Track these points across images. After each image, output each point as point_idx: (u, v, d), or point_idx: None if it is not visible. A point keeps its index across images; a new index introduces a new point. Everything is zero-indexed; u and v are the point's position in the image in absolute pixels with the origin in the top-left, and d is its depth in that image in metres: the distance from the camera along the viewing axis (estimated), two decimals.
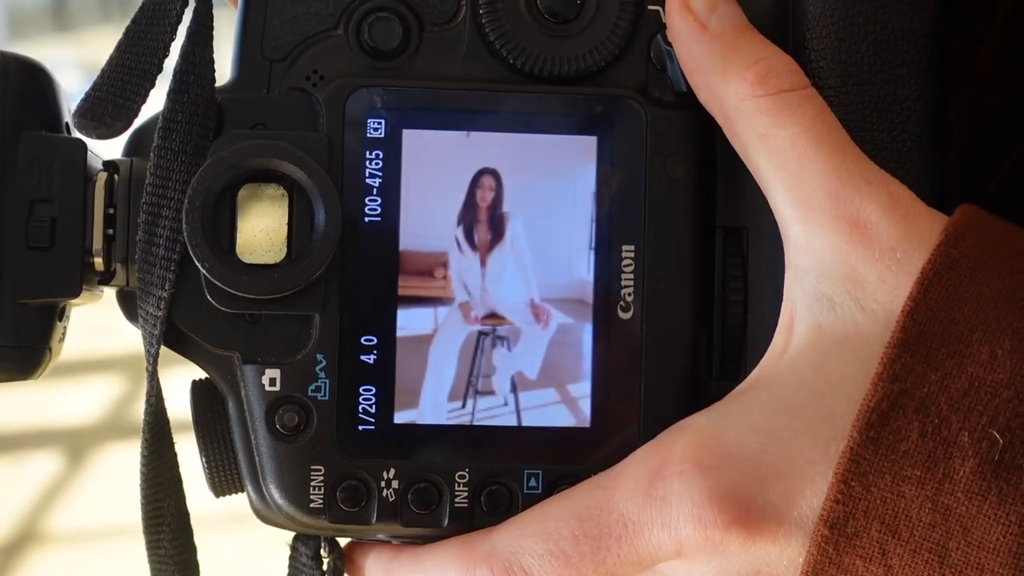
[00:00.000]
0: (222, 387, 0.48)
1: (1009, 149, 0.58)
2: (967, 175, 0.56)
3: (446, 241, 0.48)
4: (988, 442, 0.42)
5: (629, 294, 0.49)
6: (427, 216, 0.48)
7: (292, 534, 0.50)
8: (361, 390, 0.48)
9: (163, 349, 0.48)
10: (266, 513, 0.48)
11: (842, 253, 0.45)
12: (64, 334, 0.50)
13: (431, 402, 0.48)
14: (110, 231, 0.48)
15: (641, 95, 0.49)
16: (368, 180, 0.48)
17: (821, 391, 0.44)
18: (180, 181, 0.47)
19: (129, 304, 0.49)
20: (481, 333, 0.48)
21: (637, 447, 0.46)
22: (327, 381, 0.47)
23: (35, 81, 0.49)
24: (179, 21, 0.48)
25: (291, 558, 0.50)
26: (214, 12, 0.48)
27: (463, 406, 0.48)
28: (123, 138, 0.49)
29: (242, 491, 0.49)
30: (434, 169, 0.48)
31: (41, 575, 2.27)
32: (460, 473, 0.48)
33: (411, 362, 0.48)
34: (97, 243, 0.48)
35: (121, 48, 0.48)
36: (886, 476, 0.43)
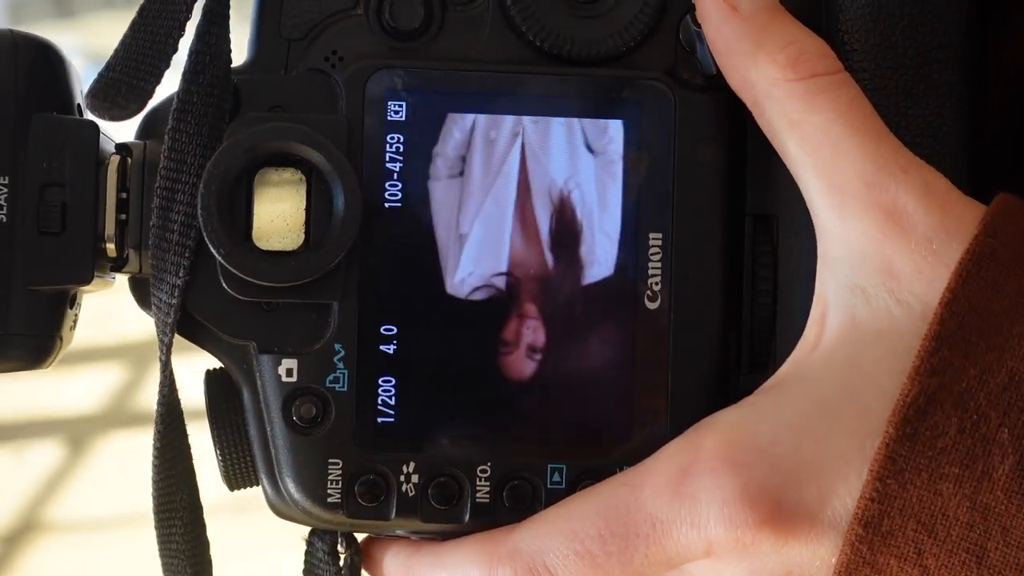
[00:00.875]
0: (237, 377, 0.47)
1: None
2: (999, 163, 0.55)
3: (467, 228, 0.47)
4: None
5: (656, 283, 0.47)
6: (450, 202, 0.47)
7: (308, 529, 0.49)
8: (380, 381, 0.46)
9: (176, 338, 0.46)
10: (282, 507, 0.47)
11: (877, 243, 0.43)
12: (75, 322, 0.49)
13: None
14: (123, 216, 0.47)
15: (669, 78, 0.48)
16: (388, 164, 0.47)
17: (856, 386, 0.43)
18: (195, 165, 0.46)
19: (142, 291, 0.48)
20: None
21: (664, 441, 0.45)
22: (345, 372, 0.46)
23: (46, 61, 0.47)
24: (195, 0, 0.47)
25: (307, 553, 0.49)
26: None
27: None
28: (136, 121, 0.48)
29: (257, 484, 0.48)
30: (456, 153, 0.47)
31: (43, 564, 2.26)
32: (482, 467, 0.46)
33: None
34: (109, 228, 0.47)
35: (135, 27, 0.46)
36: (923, 474, 0.41)
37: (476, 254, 0.47)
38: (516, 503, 0.46)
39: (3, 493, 2.33)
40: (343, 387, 0.46)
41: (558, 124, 0.47)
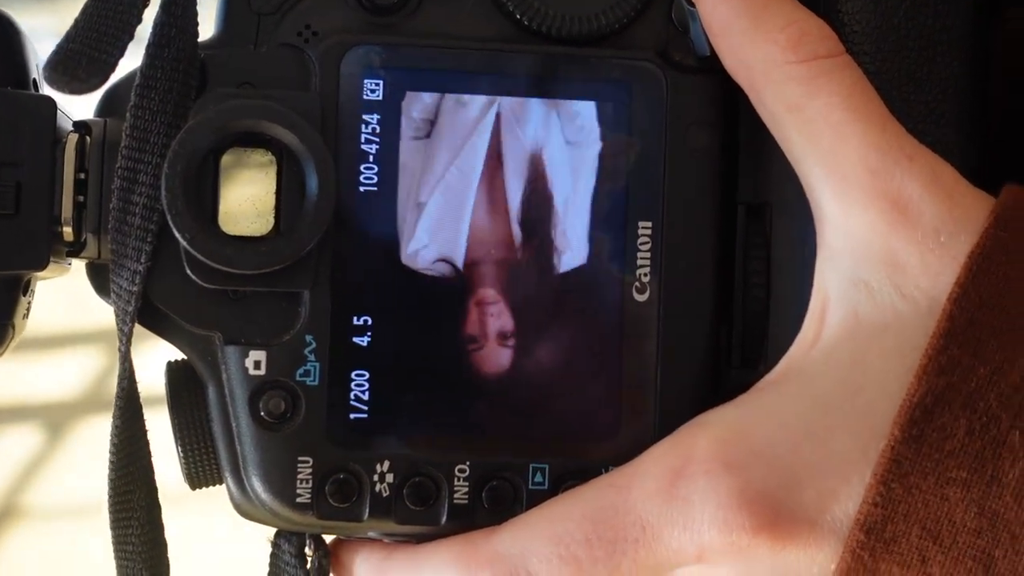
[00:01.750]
0: (201, 370, 0.44)
1: None
2: (1002, 151, 0.53)
3: (427, 197, 0.44)
4: None
5: (645, 274, 0.45)
6: (428, 185, 0.44)
7: (273, 530, 0.46)
8: (353, 375, 0.44)
9: (137, 327, 0.44)
10: (247, 508, 0.44)
11: (881, 234, 0.41)
12: (28, 310, 0.46)
13: None
14: (80, 198, 0.44)
15: (661, 59, 0.45)
16: (364, 146, 0.44)
17: (859, 385, 0.41)
18: (159, 144, 0.43)
19: (100, 278, 0.45)
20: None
21: (651, 439, 0.43)
22: (317, 365, 0.44)
23: (0, 33, 0.45)
24: None
25: (272, 556, 0.46)
26: None
27: None
28: (95, 97, 0.45)
29: (220, 483, 0.45)
30: (435, 135, 0.44)
31: (20, 550, 2.24)
32: (460, 467, 0.44)
33: None
34: (67, 211, 0.44)
35: None
36: (929, 477, 0.39)
37: (433, 225, 0.44)
38: (496, 504, 0.44)
39: None
40: (314, 381, 0.44)
41: (543, 106, 0.45)
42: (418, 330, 0.44)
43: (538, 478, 0.44)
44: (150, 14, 0.44)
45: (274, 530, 0.46)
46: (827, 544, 0.40)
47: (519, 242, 0.45)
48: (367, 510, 0.44)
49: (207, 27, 0.45)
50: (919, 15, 0.45)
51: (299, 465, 0.43)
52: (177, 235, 0.42)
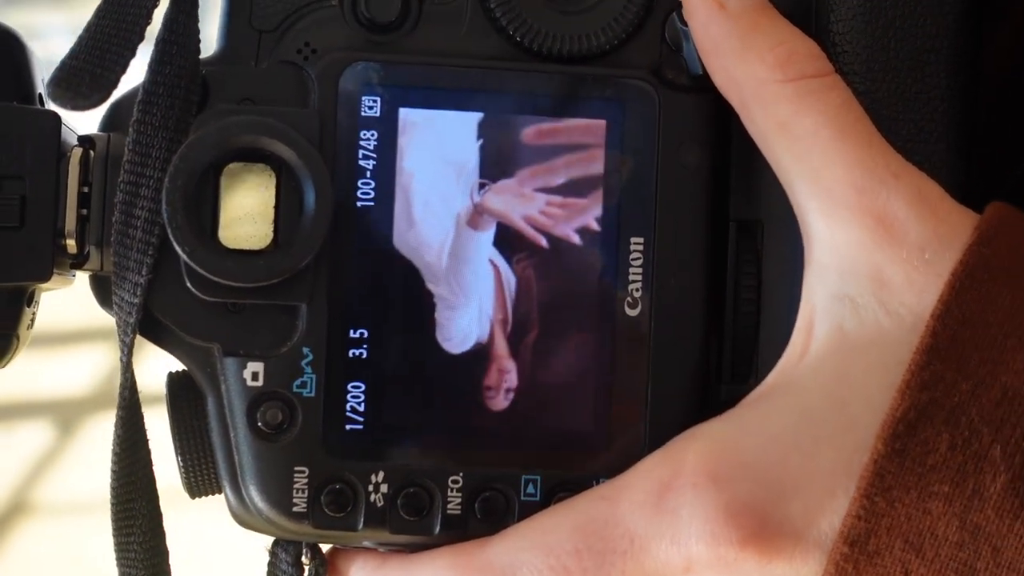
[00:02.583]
0: (200, 381, 0.45)
1: None
2: (986, 170, 0.54)
3: (444, 228, 0.45)
4: (1022, 456, 0.40)
5: (637, 290, 0.46)
6: (424, 201, 0.45)
7: (271, 539, 0.47)
8: (349, 387, 0.45)
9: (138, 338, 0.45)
10: (245, 517, 0.45)
11: (867, 251, 0.42)
12: (33, 321, 0.47)
13: None
14: (84, 211, 0.45)
15: (654, 77, 0.46)
16: (361, 162, 0.45)
17: (844, 399, 0.41)
18: (160, 159, 0.44)
19: (103, 289, 0.46)
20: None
21: (641, 452, 0.44)
22: (313, 376, 0.44)
23: (6, 48, 0.45)
24: None
25: (270, 564, 0.47)
26: None
27: None
28: (99, 113, 0.46)
29: (219, 492, 0.46)
30: (432, 151, 0.45)
31: (30, 547, 2.25)
32: (453, 478, 0.45)
33: None
34: (70, 224, 0.45)
35: (100, 14, 0.44)
36: (912, 491, 0.40)
37: None
38: (489, 515, 0.45)
39: None
40: (311, 392, 0.44)
41: (538, 123, 0.45)
42: (413, 343, 0.45)
43: (530, 489, 0.45)
44: (152, 31, 0.45)
45: (271, 539, 0.47)
46: (812, 557, 0.41)
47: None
48: (362, 520, 0.44)
49: (208, 44, 0.46)
50: (909, 36, 0.46)
51: (295, 475, 0.44)
52: (177, 248, 0.43)
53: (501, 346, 0.45)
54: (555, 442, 0.45)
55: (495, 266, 0.45)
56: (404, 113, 0.45)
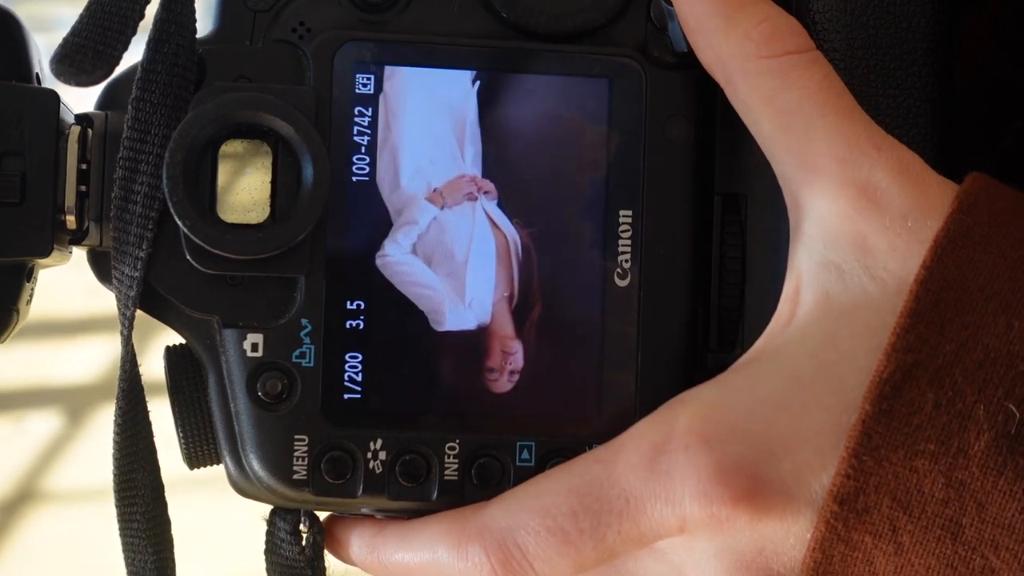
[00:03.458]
0: (200, 353, 0.46)
1: (1010, 120, 0.56)
2: (966, 145, 0.55)
3: (435, 203, 0.46)
4: (1004, 415, 0.41)
5: (626, 261, 0.47)
6: (417, 176, 0.46)
7: (269, 508, 0.48)
8: (347, 357, 0.46)
9: (140, 314, 0.45)
10: (245, 486, 0.46)
11: (851, 220, 0.43)
12: (31, 296, 0.48)
13: None
14: (83, 187, 0.46)
15: (641, 55, 0.47)
16: (356, 137, 0.46)
17: (831, 362, 0.43)
18: (159, 135, 0.45)
19: (102, 265, 0.47)
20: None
21: (633, 418, 0.45)
22: (312, 347, 0.45)
23: (4, 28, 0.46)
24: None
25: (268, 533, 0.48)
26: None
27: None
28: (94, 93, 0.47)
29: (219, 463, 0.47)
30: (424, 127, 0.46)
31: (40, 534, 2.24)
32: (450, 444, 0.46)
33: None
34: (70, 200, 0.46)
35: None
36: (899, 450, 0.41)
37: None
38: (484, 481, 0.46)
39: (1, 462, 2.32)
40: (309, 362, 0.45)
41: (527, 99, 0.47)
42: (409, 313, 0.46)
43: (525, 455, 0.46)
44: (151, 11, 0.46)
45: (269, 508, 0.48)
46: (803, 515, 0.42)
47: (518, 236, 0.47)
48: (361, 486, 0.45)
49: (204, 23, 0.47)
50: (888, 14, 0.47)
51: (295, 443, 0.45)
52: (178, 221, 0.44)
53: (500, 317, 0.46)
54: (549, 410, 0.46)
55: (495, 234, 0.46)
56: (397, 89, 0.46)
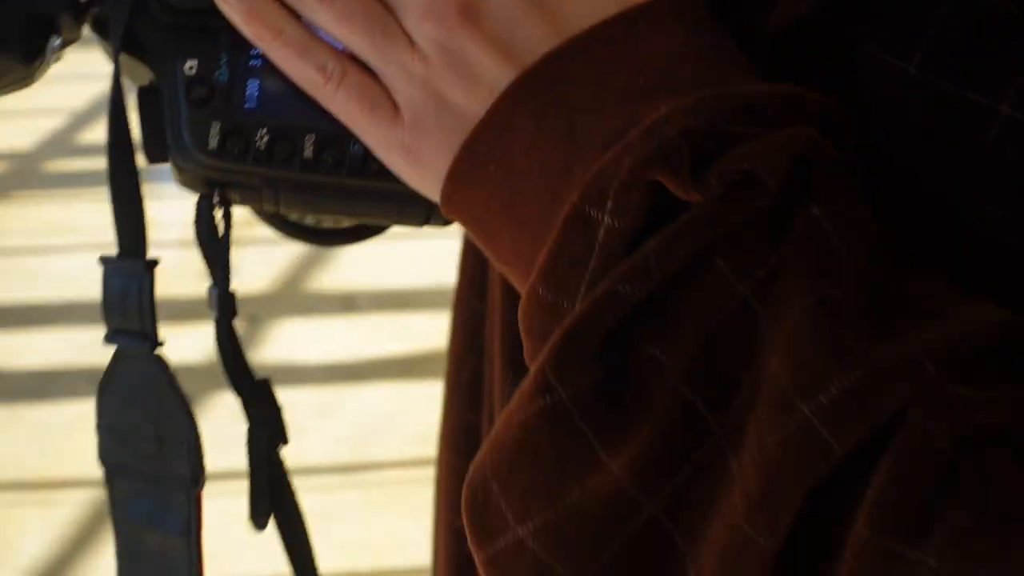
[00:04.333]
0: (159, 75, 0.68)
1: None
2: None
3: None
4: None
5: None
6: None
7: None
8: (248, 80, 0.67)
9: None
10: (181, 164, 0.67)
11: None
12: (58, 55, 0.71)
13: None
14: None
15: None
16: None
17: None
18: None
19: (100, 28, 0.69)
20: None
21: None
22: (227, 71, 0.67)
23: None
24: None
25: (196, 211, 0.69)
26: None
27: None
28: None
29: (167, 160, 0.68)
30: None
31: None
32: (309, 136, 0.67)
33: None
34: None
35: None
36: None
37: None
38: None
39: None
40: (224, 79, 0.68)
41: None
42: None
43: None
44: None
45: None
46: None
47: None
48: (251, 157, 0.67)
49: None
50: None
51: (211, 127, 0.66)
52: None
53: None
54: None
55: None
56: None
